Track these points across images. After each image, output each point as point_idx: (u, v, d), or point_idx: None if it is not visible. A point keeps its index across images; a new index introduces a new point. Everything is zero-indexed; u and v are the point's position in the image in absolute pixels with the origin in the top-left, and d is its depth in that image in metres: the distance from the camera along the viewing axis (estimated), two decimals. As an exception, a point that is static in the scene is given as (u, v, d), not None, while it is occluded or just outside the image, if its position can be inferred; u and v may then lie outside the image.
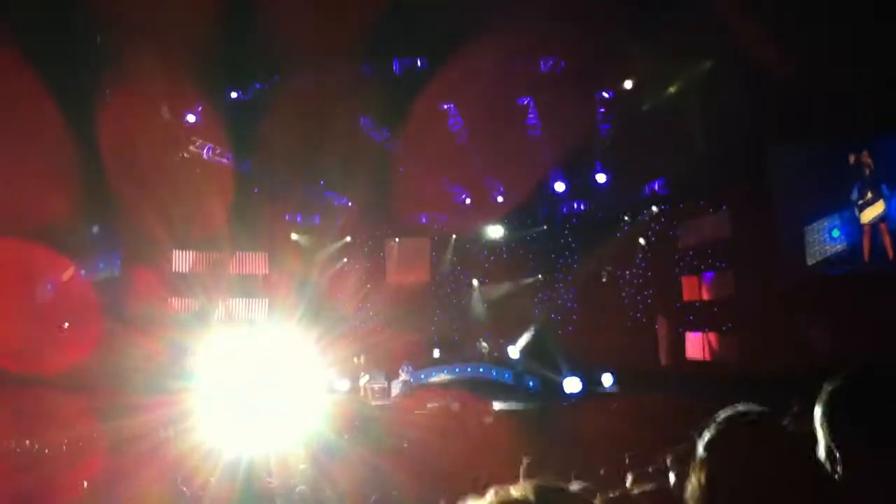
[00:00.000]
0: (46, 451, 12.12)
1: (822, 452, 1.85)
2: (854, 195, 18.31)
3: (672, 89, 19.67)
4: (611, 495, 5.30)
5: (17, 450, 11.95)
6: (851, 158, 18.20)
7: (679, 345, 22.22)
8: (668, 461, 5.72)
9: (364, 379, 22.70)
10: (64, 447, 12.59)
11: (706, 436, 1.87)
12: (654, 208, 23.14)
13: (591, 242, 24.32)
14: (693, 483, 1.82)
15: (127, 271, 22.09)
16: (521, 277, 25.73)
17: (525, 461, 6.74)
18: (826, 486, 1.80)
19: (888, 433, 1.73)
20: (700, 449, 1.85)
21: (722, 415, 1.90)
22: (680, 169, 20.70)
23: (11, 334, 17.98)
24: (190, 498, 8.24)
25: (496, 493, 4.00)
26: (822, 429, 1.85)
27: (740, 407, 1.90)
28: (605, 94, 21.39)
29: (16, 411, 13.98)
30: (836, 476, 1.81)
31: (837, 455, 1.81)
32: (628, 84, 20.79)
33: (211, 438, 12.11)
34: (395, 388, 23.57)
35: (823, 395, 1.87)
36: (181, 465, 9.81)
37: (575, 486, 4.64)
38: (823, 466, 1.83)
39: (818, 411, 1.86)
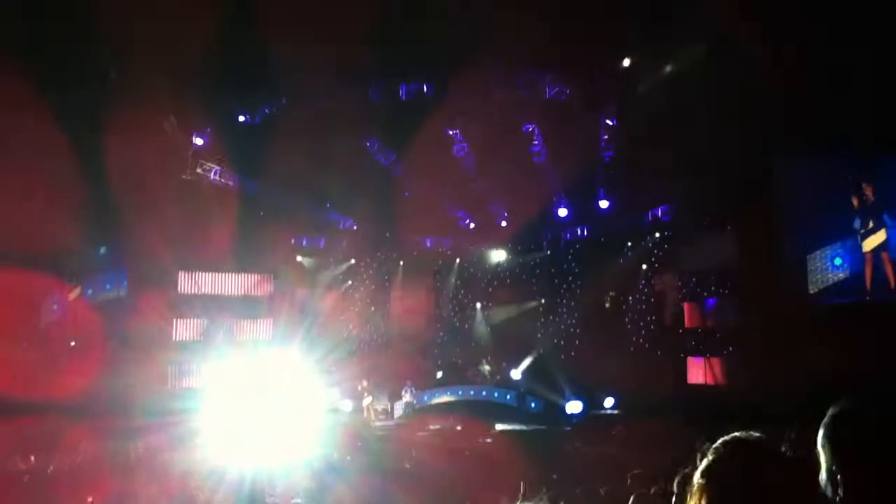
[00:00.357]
0: (51, 468, 12.16)
1: (823, 476, 1.88)
2: (856, 224, 18.38)
3: (675, 114, 19.75)
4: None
5: (24, 468, 11.99)
6: (854, 200, 18.32)
7: (681, 370, 22.21)
8: (675, 483, 5.81)
9: (367, 400, 22.74)
10: (69, 467, 12.62)
11: (704, 462, 1.87)
12: (657, 234, 23.20)
13: (593, 267, 24.39)
14: None
15: (133, 293, 22.16)
16: (524, 301, 25.84)
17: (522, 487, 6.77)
18: None
19: (890, 456, 1.77)
20: (697, 475, 1.85)
21: (720, 441, 1.90)
22: (683, 195, 20.82)
23: (18, 357, 18.05)
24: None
25: None
26: (825, 452, 1.88)
27: (738, 433, 1.89)
28: (609, 121, 21.52)
29: (22, 433, 14.00)
30: (838, 499, 1.83)
31: (839, 478, 1.84)
32: (630, 106, 20.90)
33: (215, 458, 12.16)
34: (398, 409, 23.64)
35: (826, 419, 1.90)
36: (185, 482, 9.86)
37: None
38: (824, 492, 1.86)
39: (821, 434, 1.89)
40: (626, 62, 19.79)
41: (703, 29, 17.13)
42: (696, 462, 5.42)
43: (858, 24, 15.14)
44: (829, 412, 1.90)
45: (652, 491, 5.92)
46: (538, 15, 16.65)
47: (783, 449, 1.93)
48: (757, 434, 1.88)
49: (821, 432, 1.89)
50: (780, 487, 1.76)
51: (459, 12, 17.40)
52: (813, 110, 16.13)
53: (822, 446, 1.88)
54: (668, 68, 19.33)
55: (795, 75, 15.52)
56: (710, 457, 1.86)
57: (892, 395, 1.86)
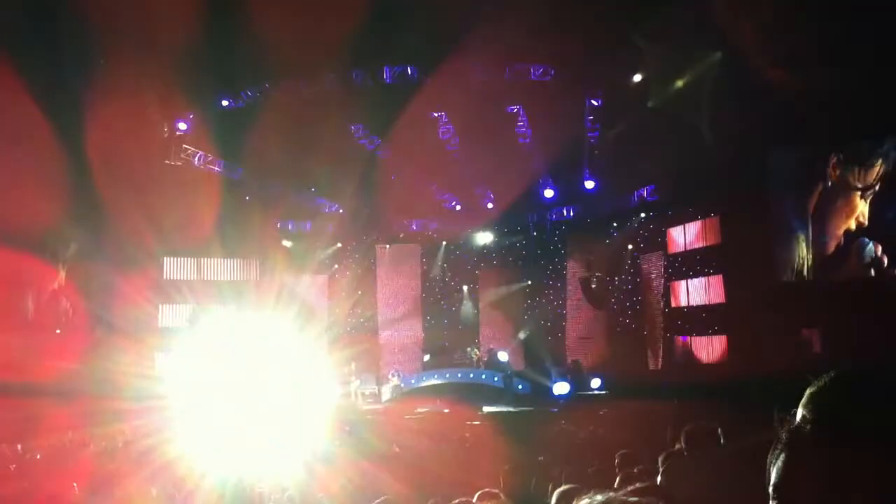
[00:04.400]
0: (39, 456, 12.13)
1: None
2: (840, 202, 18.40)
3: (661, 97, 19.75)
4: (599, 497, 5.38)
5: (10, 456, 11.95)
6: (837, 167, 18.29)
7: (667, 349, 22.32)
8: (660, 462, 5.83)
9: (355, 384, 22.75)
10: (56, 452, 12.59)
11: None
12: (643, 214, 23.24)
13: (580, 248, 24.44)
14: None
15: (118, 278, 22.08)
16: (510, 283, 25.89)
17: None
18: None
19: (869, 434, 1.78)
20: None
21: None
22: (668, 175, 20.85)
23: (3, 343, 17.96)
24: (180, 502, 8.28)
25: None
26: None
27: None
28: (594, 102, 21.49)
29: (6, 418, 13.96)
30: None
31: None
32: (618, 89, 20.88)
33: (201, 443, 12.14)
34: (386, 392, 23.66)
35: (805, 397, 1.90)
36: (171, 470, 9.83)
37: (563, 488, 4.76)
38: None
39: (799, 413, 1.89)
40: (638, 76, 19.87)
41: (694, 36, 17.21)
42: (681, 441, 5.40)
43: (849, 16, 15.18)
44: (808, 390, 1.89)
45: (636, 470, 5.94)
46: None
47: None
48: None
49: (799, 411, 1.88)
50: None
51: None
52: (804, 98, 16.16)
53: None
54: (658, 80, 19.42)
55: (789, 68, 15.54)
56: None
57: (872, 372, 1.85)
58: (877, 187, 17.58)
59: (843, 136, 18.02)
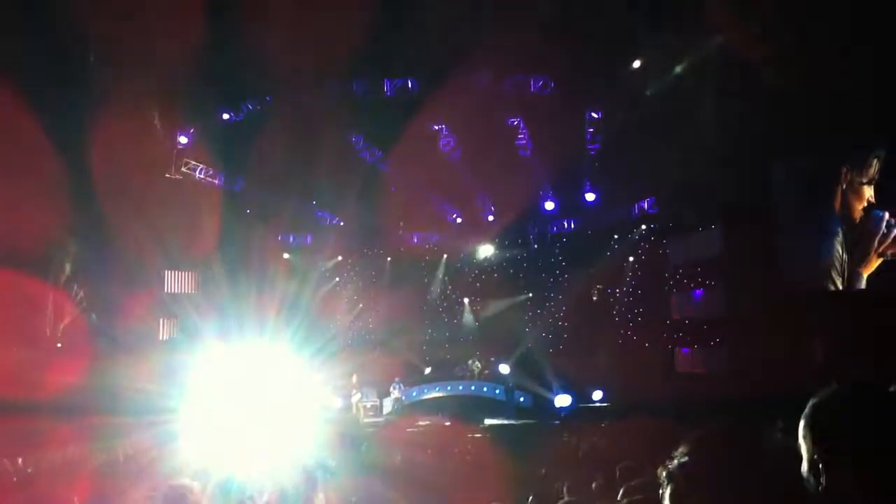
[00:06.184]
0: (40, 470, 12.08)
1: (805, 466, 1.87)
2: (853, 198, 18.24)
3: (661, 108, 19.75)
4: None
5: (11, 469, 11.91)
6: (842, 174, 18.19)
7: (669, 361, 22.26)
8: (662, 474, 5.81)
9: (356, 396, 22.70)
10: (57, 467, 12.55)
11: (684, 450, 1.84)
12: (644, 226, 23.22)
13: (581, 261, 24.41)
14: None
15: (120, 292, 22.06)
16: (511, 295, 25.87)
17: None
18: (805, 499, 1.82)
19: (870, 446, 1.76)
20: (676, 464, 1.81)
21: (693, 436, 1.88)
22: (669, 187, 20.83)
23: (5, 357, 17.93)
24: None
25: None
26: (806, 442, 1.87)
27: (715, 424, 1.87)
28: (594, 114, 21.51)
29: (8, 432, 13.93)
30: (820, 489, 1.81)
31: (821, 468, 1.82)
32: (618, 101, 20.90)
33: (202, 457, 12.10)
34: (387, 405, 23.62)
35: (807, 409, 1.89)
36: (172, 484, 9.78)
37: (564, 501, 4.74)
38: (806, 482, 1.85)
39: (802, 425, 1.88)
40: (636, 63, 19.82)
41: (706, 30, 17.20)
42: (684, 453, 5.39)
43: (857, 24, 15.15)
44: (811, 402, 1.89)
45: (635, 483, 5.92)
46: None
47: (777, 437, 1.90)
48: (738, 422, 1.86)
49: (802, 423, 1.88)
50: (753, 480, 1.71)
51: (445, 8, 17.38)
52: (808, 107, 16.13)
53: (804, 437, 1.87)
54: (676, 69, 19.37)
55: (794, 75, 15.50)
56: (687, 446, 1.85)
57: (873, 384, 1.85)
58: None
59: (847, 140, 17.94)
